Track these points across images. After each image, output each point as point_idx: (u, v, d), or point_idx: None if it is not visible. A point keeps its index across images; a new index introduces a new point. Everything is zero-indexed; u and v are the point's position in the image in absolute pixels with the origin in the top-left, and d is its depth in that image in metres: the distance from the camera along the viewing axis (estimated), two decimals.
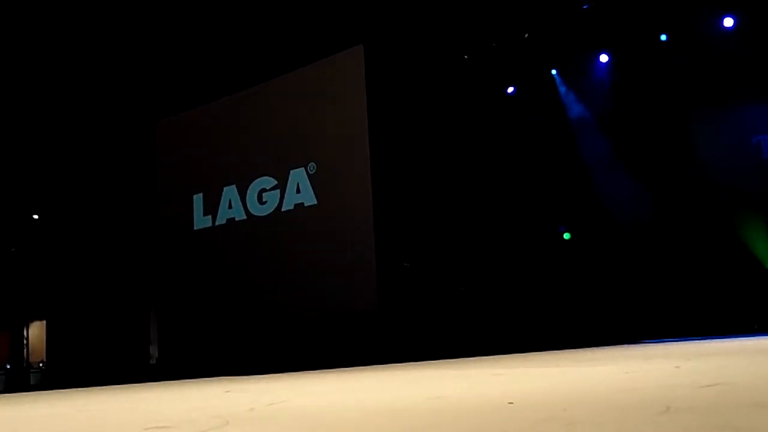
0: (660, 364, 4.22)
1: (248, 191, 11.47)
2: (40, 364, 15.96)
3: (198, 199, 12.14)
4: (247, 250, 11.34)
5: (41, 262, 14.46)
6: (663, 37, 9.53)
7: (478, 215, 10.11)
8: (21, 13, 10.47)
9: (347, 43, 10.53)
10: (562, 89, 10.35)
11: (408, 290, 9.77)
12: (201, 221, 12.06)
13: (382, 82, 10.27)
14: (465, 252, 10.03)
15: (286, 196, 11.04)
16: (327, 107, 10.84)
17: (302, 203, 10.87)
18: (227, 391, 4.76)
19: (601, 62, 10.06)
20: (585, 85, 10.20)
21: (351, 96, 10.51)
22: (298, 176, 10.94)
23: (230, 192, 11.70)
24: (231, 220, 11.67)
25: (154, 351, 12.51)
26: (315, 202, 10.73)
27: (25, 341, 16.47)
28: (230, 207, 11.69)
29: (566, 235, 10.19)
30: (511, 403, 2.49)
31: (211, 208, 11.93)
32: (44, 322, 15.20)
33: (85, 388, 8.25)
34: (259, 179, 11.37)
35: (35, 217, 14.60)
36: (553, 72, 10.40)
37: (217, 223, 11.84)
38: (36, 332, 16.76)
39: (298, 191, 10.92)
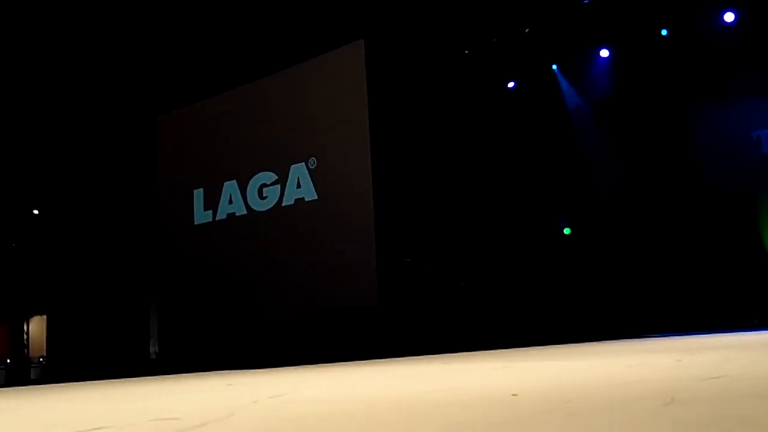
0: (662, 357, 4.24)
1: (249, 186, 11.47)
2: (41, 359, 15.99)
3: (198, 194, 12.14)
4: (247, 245, 11.35)
5: (42, 257, 14.47)
6: (664, 32, 9.55)
7: (478, 210, 10.12)
8: (21, 10, 10.46)
9: (348, 38, 10.52)
10: (563, 84, 10.35)
11: (409, 285, 9.78)
12: (201, 216, 12.07)
13: (383, 76, 10.26)
14: (466, 247, 10.05)
15: (286, 191, 11.04)
16: (327, 102, 10.83)
17: (303, 198, 10.87)
18: (229, 384, 4.78)
19: (601, 57, 10.07)
20: (585, 80, 10.22)
21: (352, 91, 10.50)
22: (299, 171, 10.94)
23: (231, 187, 11.70)
24: (231, 215, 11.67)
25: (154, 345, 12.53)
26: (315, 197, 10.73)
27: (25, 336, 16.50)
28: (231, 202, 11.69)
29: (567, 230, 10.21)
30: (515, 395, 2.50)
31: (211, 203, 11.93)
32: (45, 316, 15.22)
33: (86, 382, 8.26)
34: (259, 174, 11.37)
35: (36, 212, 14.60)
36: (554, 67, 10.41)
37: (217, 218, 11.84)
38: (36, 327, 16.79)
39: (298, 186, 10.92)
